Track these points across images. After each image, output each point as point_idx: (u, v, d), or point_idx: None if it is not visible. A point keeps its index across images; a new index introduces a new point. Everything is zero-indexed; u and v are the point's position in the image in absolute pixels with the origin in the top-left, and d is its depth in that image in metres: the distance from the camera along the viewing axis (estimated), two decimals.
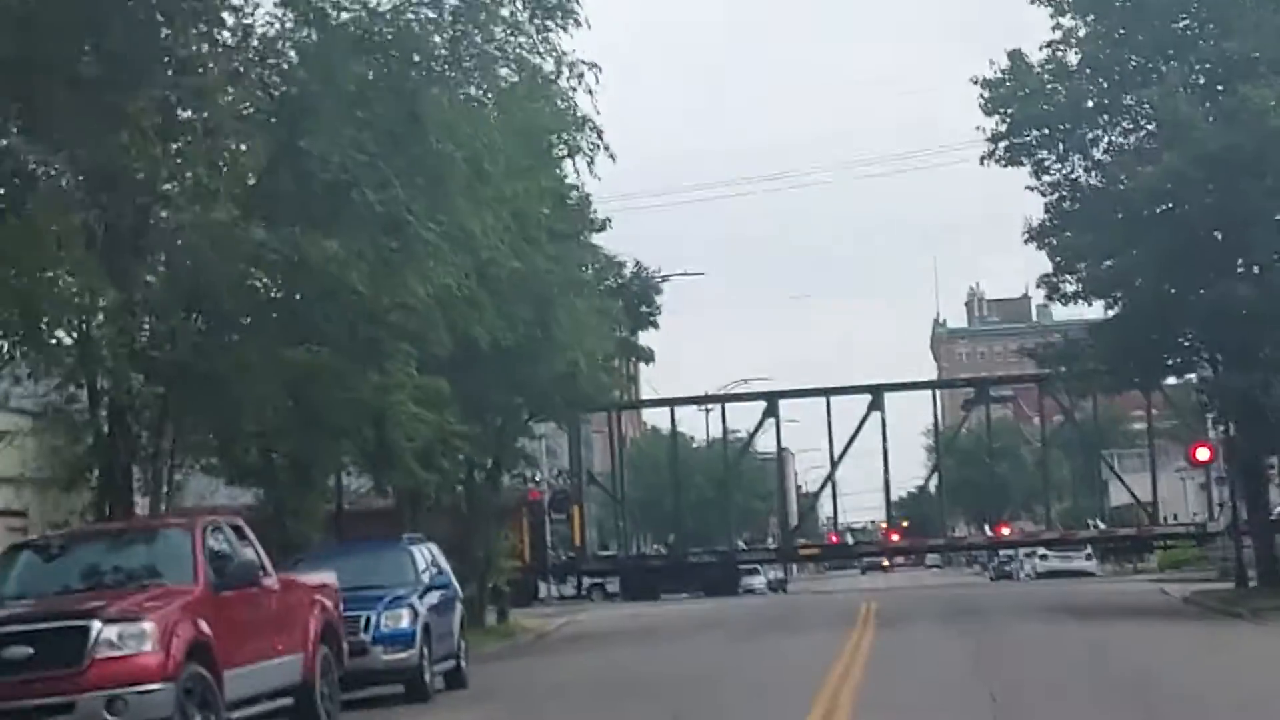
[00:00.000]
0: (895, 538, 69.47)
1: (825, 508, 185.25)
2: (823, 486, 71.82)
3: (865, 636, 37.78)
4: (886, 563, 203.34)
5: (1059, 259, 45.24)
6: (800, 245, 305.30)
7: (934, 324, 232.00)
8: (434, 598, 28.44)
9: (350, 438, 33.06)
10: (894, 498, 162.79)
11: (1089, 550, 79.77)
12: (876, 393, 67.81)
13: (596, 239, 47.34)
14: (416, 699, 27.00)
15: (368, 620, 26.51)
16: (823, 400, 67.82)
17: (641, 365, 64.76)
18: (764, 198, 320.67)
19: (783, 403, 67.35)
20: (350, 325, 29.72)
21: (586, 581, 69.36)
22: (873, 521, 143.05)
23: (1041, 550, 79.71)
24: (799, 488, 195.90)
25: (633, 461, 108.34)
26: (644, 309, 55.66)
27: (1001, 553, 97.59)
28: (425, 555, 29.33)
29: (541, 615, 56.20)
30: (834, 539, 69.28)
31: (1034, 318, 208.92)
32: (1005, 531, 69.86)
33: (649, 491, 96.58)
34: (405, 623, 26.76)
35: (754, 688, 27.11)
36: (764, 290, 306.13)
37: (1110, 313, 45.76)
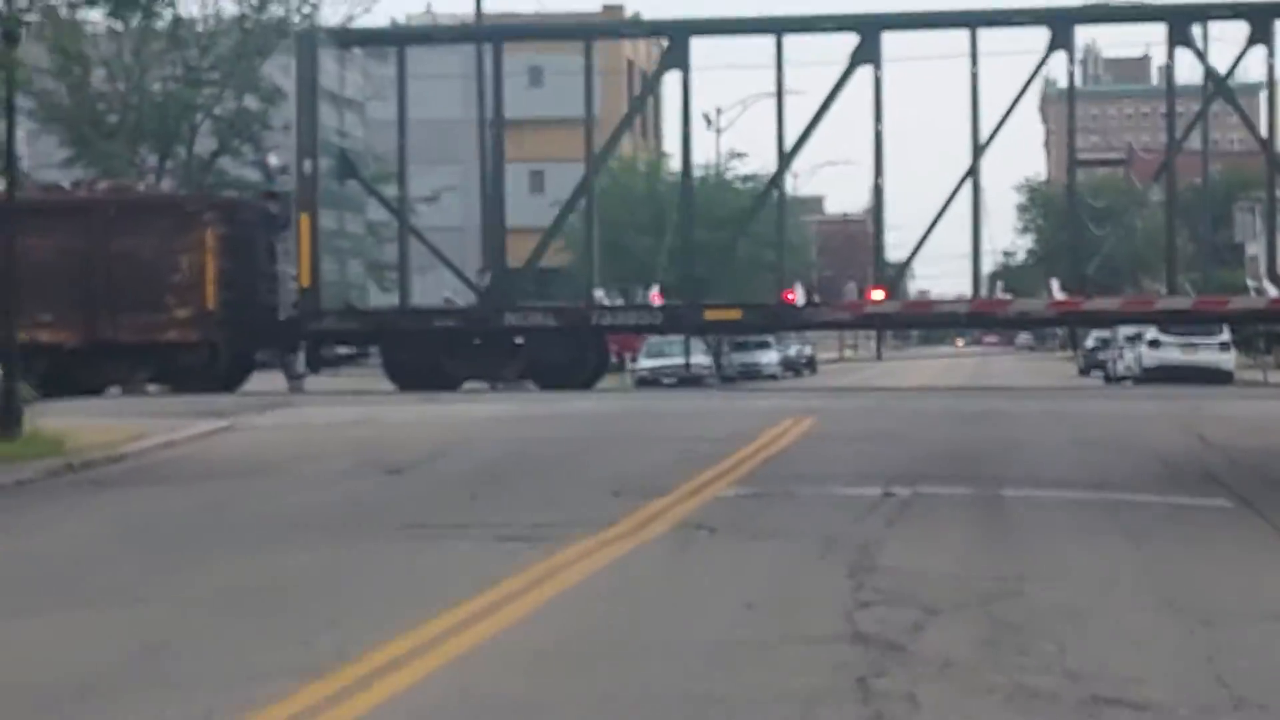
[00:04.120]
0: (878, 295, 41.35)
1: (926, 275, 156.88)
2: (774, 185, 42.71)
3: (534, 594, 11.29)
4: (961, 342, 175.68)
5: None
6: None
7: (1044, 82, 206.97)
8: None
9: None
10: (987, 267, 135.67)
11: (1225, 337, 52.03)
12: (867, 31, 39.03)
13: None
14: None
15: None
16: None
17: None
18: None
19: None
20: None
21: (336, 353, 41.88)
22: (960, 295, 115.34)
23: (1152, 333, 51.89)
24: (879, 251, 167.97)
25: (610, 193, 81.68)
26: None
27: (1095, 336, 70.38)
28: None
29: (198, 413, 29.81)
30: (789, 297, 40.37)
31: (1154, 80, 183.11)
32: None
33: (616, 233, 70.10)
34: None
35: None
36: None
37: None
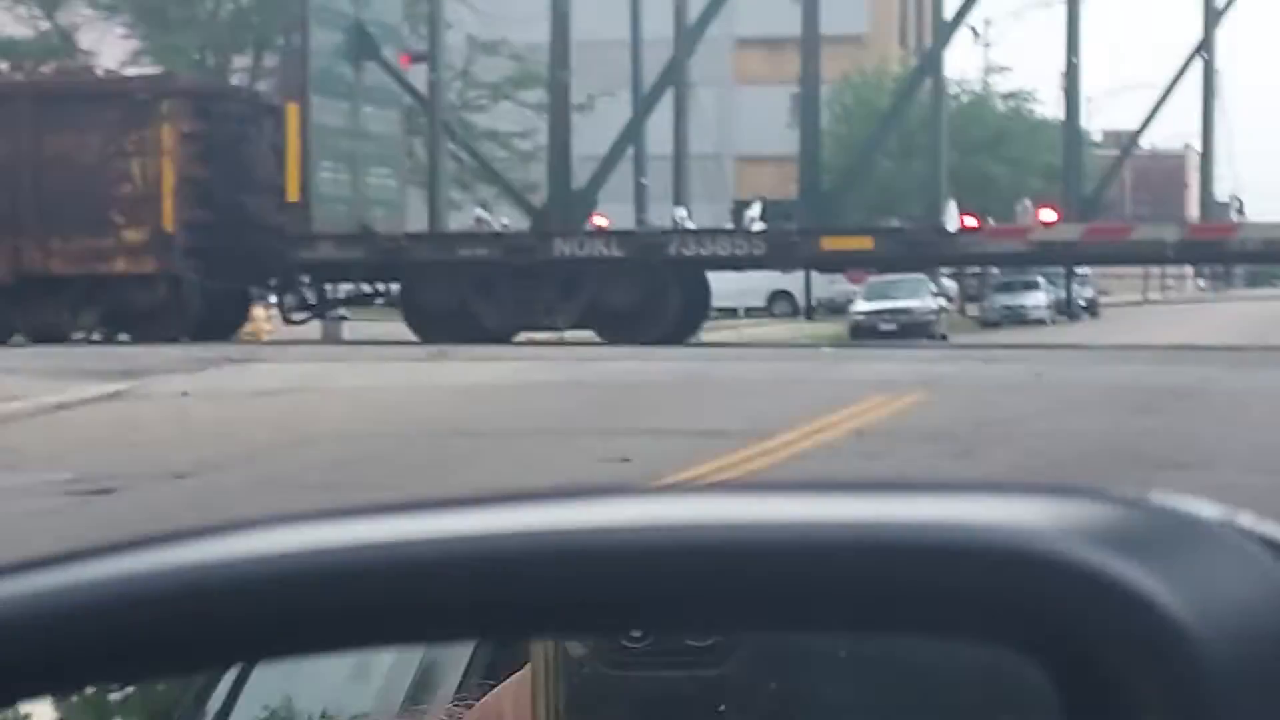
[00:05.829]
0: (1049, 216, 31.86)
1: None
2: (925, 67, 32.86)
3: None
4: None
5: None
6: None
7: None
8: None
9: None
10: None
11: None
12: None
13: None
14: None
15: None
16: None
17: None
18: None
19: None
20: None
21: (340, 291, 32.53)
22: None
23: None
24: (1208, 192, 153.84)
25: (853, 111, 73.05)
26: None
27: None
28: None
29: (111, 371, 22.58)
30: (965, 221, 30.35)
31: None
32: None
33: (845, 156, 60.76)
34: None
35: None
36: None
37: None
